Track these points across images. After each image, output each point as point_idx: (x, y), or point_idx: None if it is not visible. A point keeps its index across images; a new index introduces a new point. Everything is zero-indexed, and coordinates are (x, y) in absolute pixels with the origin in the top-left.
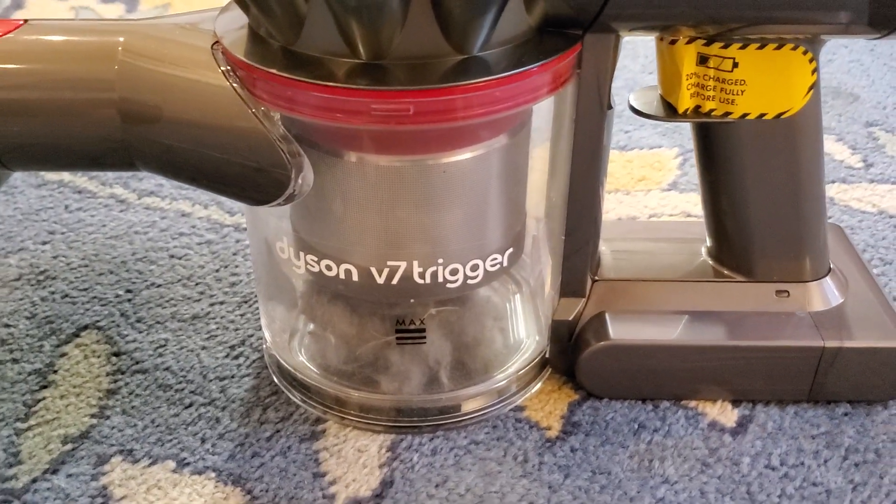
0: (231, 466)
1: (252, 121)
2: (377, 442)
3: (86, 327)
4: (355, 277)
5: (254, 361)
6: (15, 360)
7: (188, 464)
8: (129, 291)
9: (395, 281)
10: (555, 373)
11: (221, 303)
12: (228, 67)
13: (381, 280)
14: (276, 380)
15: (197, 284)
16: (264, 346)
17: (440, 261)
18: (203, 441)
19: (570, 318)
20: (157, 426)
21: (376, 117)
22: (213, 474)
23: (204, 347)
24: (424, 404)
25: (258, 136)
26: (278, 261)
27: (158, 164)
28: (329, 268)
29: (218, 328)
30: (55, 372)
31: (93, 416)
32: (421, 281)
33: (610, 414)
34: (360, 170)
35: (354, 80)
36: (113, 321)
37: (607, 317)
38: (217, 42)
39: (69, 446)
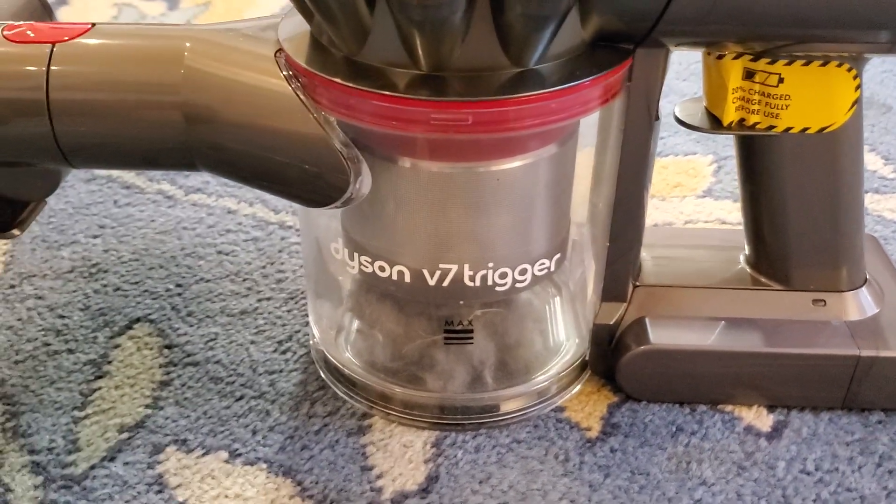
0: (282, 458)
1: (314, 126)
2: (422, 438)
3: (138, 320)
4: (407, 279)
5: (301, 356)
6: (70, 351)
7: (240, 455)
8: (178, 286)
9: (445, 283)
10: (595, 375)
11: (269, 299)
12: (291, 74)
13: (432, 282)
14: (323, 375)
15: (244, 280)
16: (311, 341)
17: (490, 265)
18: (254, 433)
19: (612, 323)
20: (210, 417)
21: (436, 126)
22: (264, 465)
23: (253, 342)
24: (468, 403)
25: (319, 142)
26: (329, 260)
27: (219, 165)
28: (382, 269)
29: (266, 323)
30: (109, 363)
31: (147, 406)
32: (471, 284)
33: (648, 416)
34: (416, 175)
35: (416, 90)
36: (164, 314)
37: (647, 322)
38: (280, 49)
39: (125, 435)
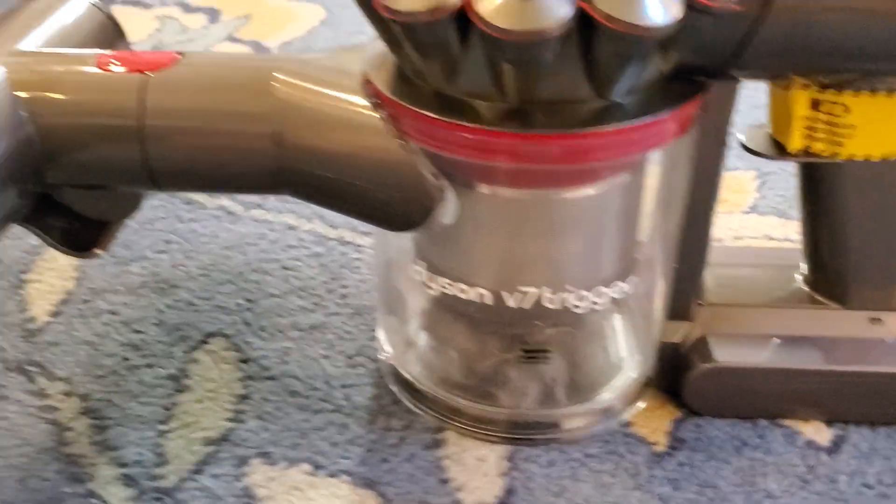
0: (363, 471)
1: (402, 155)
2: (496, 452)
3: (213, 334)
4: (488, 301)
5: (371, 371)
6: (149, 366)
7: (323, 467)
8: (249, 301)
9: (525, 305)
10: (657, 391)
11: (335, 314)
12: (377, 104)
13: (512, 304)
14: (395, 389)
15: (311, 295)
16: (382, 356)
17: (569, 288)
18: (334, 446)
19: (676, 341)
20: (291, 431)
21: (523, 158)
22: (347, 478)
23: (325, 356)
24: (539, 419)
25: (407, 170)
26: (399, 278)
27: (306, 191)
28: (463, 291)
29: (335, 338)
30: (188, 377)
31: (229, 419)
32: (550, 306)
33: (712, 431)
34: (498, 201)
35: (505, 123)
36: (237, 329)
37: (712, 340)
38: (366, 80)
39: (211, 448)
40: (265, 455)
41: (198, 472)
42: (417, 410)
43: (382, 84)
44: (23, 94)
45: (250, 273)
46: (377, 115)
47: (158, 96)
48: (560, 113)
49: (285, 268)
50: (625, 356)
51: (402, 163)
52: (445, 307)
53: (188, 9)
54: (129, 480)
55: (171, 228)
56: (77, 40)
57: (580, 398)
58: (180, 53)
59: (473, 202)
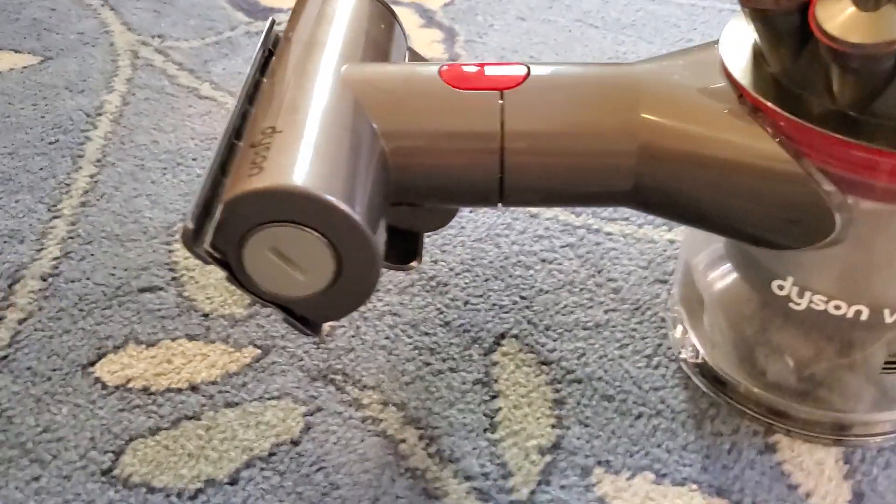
0: (708, 478)
1: (798, 174)
2: (831, 455)
3: (503, 335)
4: (864, 317)
5: (674, 371)
6: (452, 370)
7: (666, 475)
8: (523, 298)
9: None
10: None
11: (614, 310)
12: (761, 118)
13: (889, 320)
14: (710, 391)
15: (581, 290)
16: (685, 356)
17: None
18: (669, 452)
19: None
20: (620, 437)
21: None
22: (694, 486)
23: (622, 356)
24: (870, 420)
25: (805, 189)
26: (714, 283)
27: (670, 209)
28: (837, 308)
29: (624, 336)
30: (496, 381)
31: (553, 426)
32: None
33: None
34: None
35: None
36: (524, 329)
37: None
38: (741, 91)
39: (548, 457)
40: (605, 464)
41: (545, 482)
42: (742, 413)
43: (762, 96)
44: (373, 115)
45: (511, 267)
46: (765, 133)
47: (517, 117)
48: None
49: (544, 260)
50: None
51: (799, 181)
52: (777, 311)
53: None
54: (482, 495)
55: None
56: (372, 35)
57: None
58: (526, 66)
59: (868, 220)
